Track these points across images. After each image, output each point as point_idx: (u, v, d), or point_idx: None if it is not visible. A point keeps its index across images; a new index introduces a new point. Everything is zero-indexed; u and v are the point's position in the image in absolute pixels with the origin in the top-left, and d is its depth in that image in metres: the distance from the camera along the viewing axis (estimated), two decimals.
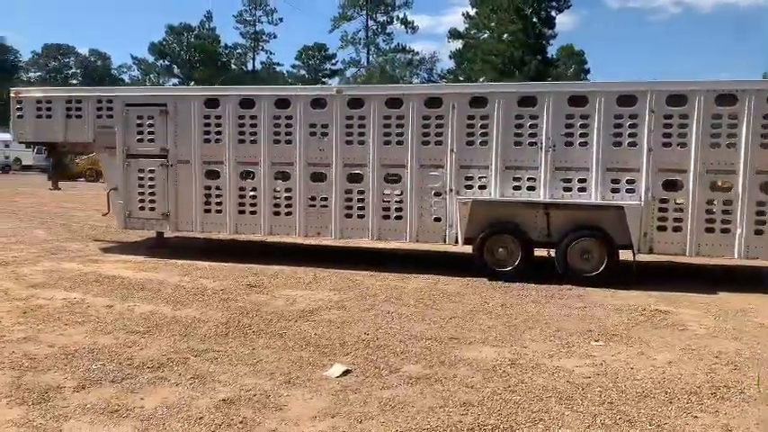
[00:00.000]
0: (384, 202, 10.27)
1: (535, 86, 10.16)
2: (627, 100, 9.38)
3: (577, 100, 9.54)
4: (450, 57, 68.16)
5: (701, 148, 9.16)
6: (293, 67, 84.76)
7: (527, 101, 9.69)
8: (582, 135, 9.52)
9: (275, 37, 79.07)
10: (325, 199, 10.49)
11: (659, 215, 9.38)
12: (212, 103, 10.82)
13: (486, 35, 63.21)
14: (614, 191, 9.49)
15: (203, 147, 10.89)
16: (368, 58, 75.72)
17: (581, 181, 9.59)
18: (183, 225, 11.18)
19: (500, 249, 9.76)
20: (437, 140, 10.01)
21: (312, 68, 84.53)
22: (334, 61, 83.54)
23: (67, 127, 11.48)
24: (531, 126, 9.68)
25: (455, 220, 9.91)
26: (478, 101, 9.86)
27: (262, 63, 79.54)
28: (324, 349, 6.38)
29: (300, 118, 10.46)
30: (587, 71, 73.50)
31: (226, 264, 10.67)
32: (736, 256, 9.20)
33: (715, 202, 9.23)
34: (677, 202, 9.33)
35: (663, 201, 9.37)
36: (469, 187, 9.94)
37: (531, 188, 9.75)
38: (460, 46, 66.17)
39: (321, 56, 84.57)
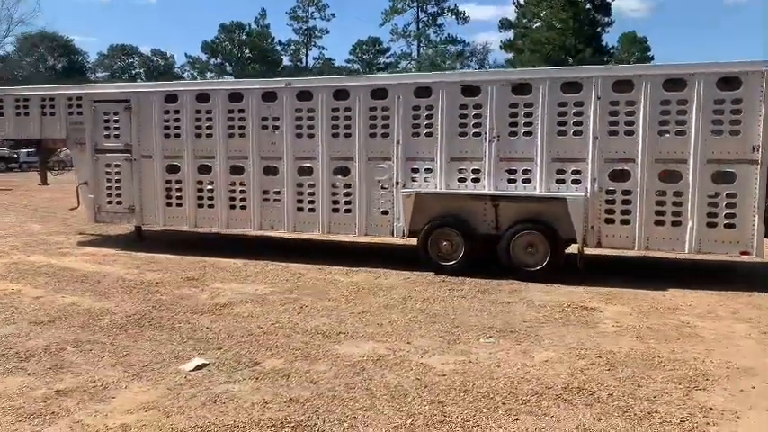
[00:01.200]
0: (333, 195, 10.17)
1: (477, 75, 9.83)
2: (572, 87, 8.97)
3: (521, 88, 9.19)
4: (501, 47, 67.03)
5: (649, 137, 8.67)
6: (347, 61, 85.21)
7: (470, 90, 9.40)
8: (526, 125, 9.17)
9: (327, 32, 79.66)
10: (278, 192, 10.47)
11: (606, 207, 8.94)
12: (171, 98, 10.96)
13: (538, 24, 61.89)
14: (560, 182, 9.10)
15: (164, 141, 11.05)
16: (418, 51, 75.34)
17: (526, 172, 9.23)
18: (148, 219, 11.39)
19: (444, 243, 9.52)
20: (384, 132, 9.83)
21: (366, 62, 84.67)
22: (387, 55, 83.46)
23: (43, 124, 11.86)
24: (475, 116, 9.38)
25: (401, 213, 9.72)
26: (423, 91, 9.62)
27: (314, 58, 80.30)
28: (202, 343, 6.38)
29: (253, 111, 10.47)
30: (650, 59, 70.84)
31: (185, 257, 10.81)
32: (687, 250, 8.67)
33: (665, 193, 8.71)
34: (625, 192, 8.85)
35: (610, 192, 8.92)
36: (415, 180, 9.73)
37: (476, 180, 9.46)
38: (512, 36, 65.04)
39: (375, 50, 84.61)
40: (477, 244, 9.44)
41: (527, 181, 9.22)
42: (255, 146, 10.50)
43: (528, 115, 9.13)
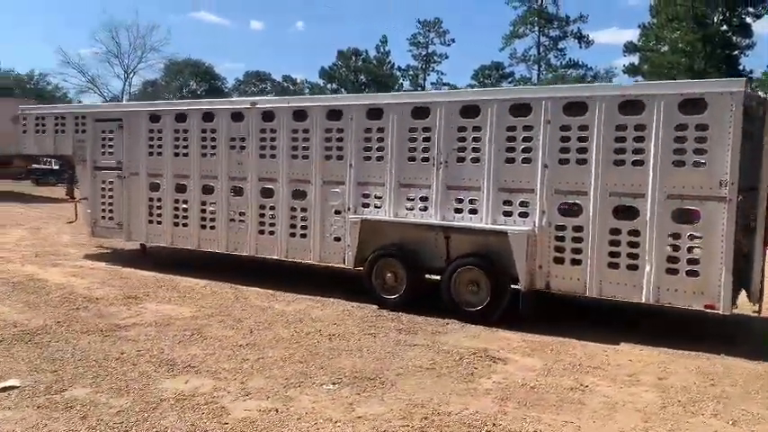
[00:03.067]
0: (292, 219, 9.81)
1: (427, 96, 9.07)
2: (521, 109, 8.07)
3: (469, 110, 8.40)
4: (624, 71, 63.75)
5: (603, 167, 7.59)
6: (469, 86, 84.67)
7: (420, 112, 8.72)
8: (474, 150, 8.35)
9: (447, 57, 79.49)
10: (243, 214, 10.27)
11: (556, 245, 7.91)
12: (155, 118, 11.12)
13: (665, 47, 58.34)
14: (506, 214, 8.18)
15: (148, 160, 11.22)
16: (538, 76, 73.34)
17: (472, 202, 8.40)
18: (135, 235, 11.59)
19: (388, 274, 8.85)
20: (338, 155, 9.36)
21: (488, 87, 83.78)
22: (510, 80, 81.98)
23: (56, 141, 12.47)
24: (424, 140, 8.69)
25: (349, 240, 9.18)
26: (375, 112, 9.07)
27: (432, 83, 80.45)
28: (47, 363, 6.24)
29: (223, 131, 10.37)
30: None
31: (159, 274, 10.87)
32: (643, 298, 7.45)
33: (619, 232, 7.56)
34: (576, 229, 7.79)
35: (559, 228, 7.89)
36: (366, 205, 9.16)
37: (423, 208, 8.74)
38: (636, 60, 61.73)
39: (498, 74, 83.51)
40: (423, 277, 8.68)
41: (473, 211, 8.38)
42: (224, 166, 10.37)
43: (476, 140, 8.32)
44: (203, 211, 10.67)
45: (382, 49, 79.54)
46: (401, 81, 79.83)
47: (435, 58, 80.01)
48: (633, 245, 7.46)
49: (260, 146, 10.02)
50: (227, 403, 5.35)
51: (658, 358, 6.93)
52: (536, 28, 73.25)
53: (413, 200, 8.79)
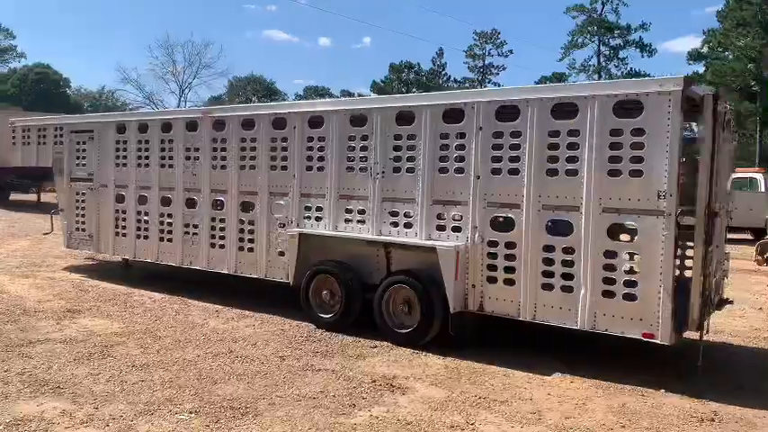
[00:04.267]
0: (240, 232, 9.43)
1: (364, 102, 8.50)
2: (454, 115, 7.44)
3: (404, 117, 7.82)
4: None
5: (536, 177, 6.87)
6: None
7: (358, 120, 8.20)
8: (409, 159, 7.76)
9: (504, 69, 78.22)
10: (197, 226, 9.95)
11: (489, 263, 7.22)
12: (121, 128, 10.98)
13: (730, 55, 55.67)
14: (440, 228, 7.55)
15: (115, 171, 11.08)
16: None
17: (407, 215, 7.80)
18: (103, 247, 11.46)
19: (324, 292, 8.33)
20: (283, 165, 8.93)
21: None
22: None
23: (38, 153, 12.55)
24: (362, 149, 8.16)
25: (289, 255, 8.72)
26: (316, 121, 8.60)
27: None
28: None
29: (179, 142, 10.12)
30: None
31: (118, 287, 10.72)
32: (578, 324, 6.66)
33: (553, 249, 6.82)
34: (508, 245, 7.09)
35: (492, 244, 7.20)
36: (308, 218, 8.68)
37: (361, 221, 8.19)
38: (701, 69, 59.11)
39: None
40: (362, 296, 8.11)
41: (408, 225, 7.78)
42: (180, 178, 10.10)
43: (411, 148, 7.73)
44: (162, 223, 10.41)
45: (438, 62, 79.11)
46: None
47: (492, 69, 78.87)
48: (567, 264, 6.70)
49: (212, 156, 9.70)
50: (62, 428, 4.94)
51: (586, 392, 6.15)
52: (596, 37, 71.17)
53: (352, 212, 8.25)
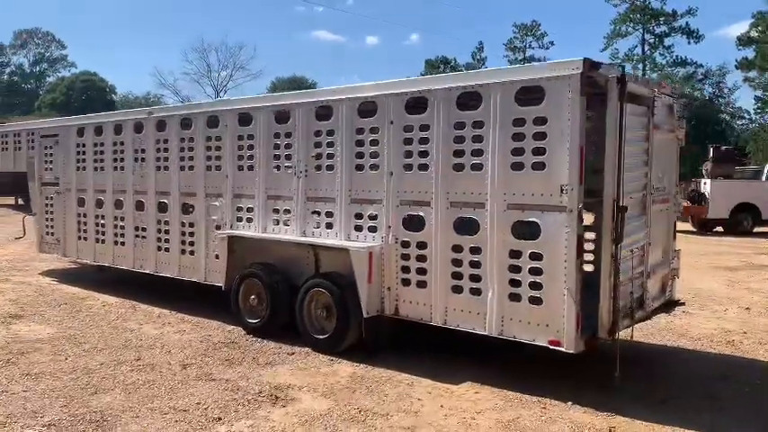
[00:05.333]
0: (182, 235, 9.23)
1: (288, 98, 8.09)
2: (368, 109, 7.05)
3: (324, 112, 7.46)
4: (737, 67, 58.73)
5: (443, 172, 6.43)
6: None
7: (282, 116, 7.88)
8: (329, 156, 7.40)
9: (546, 61, 76.68)
10: (145, 230, 9.81)
11: (402, 264, 6.80)
12: (81, 132, 10.94)
13: None
14: (358, 228, 7.16)
15: (76, 174, 11.05)
16: (643, 75, 68.88)
17: (329, 215, 7.44)
18: (68, 251, 11.45)
19: (252, 296, 8.04)
20: (217, 165, 8.68)
21: None
22: None
23: (15, 158, 12.66)
24: (286, 146, 7.84)
25: (221, 258, 8.47)
26: (245, 119, 8.32)
27: None
28: None
29: (129, 144, 9.99)
30: None
31: (77, 290, 10.72)
32: (487, 330, 6.19)
33: (461, 249, 6.36)
34: (420, 245, 6.66)
35: (405, 244, 6.78)
36: (240, 219, 8.41)
37: (287, 222, 7.88)
38: (752, 54, 56.66)
39: None
40: (287, 299, 7.78)
41: (330, 226, 7.42)
42: (130, 180, 9.97)
43: (330, 145, 7.37)
44: (115, 226, 10.30)
45: (478, 56, 78.06)
46: None
47: (533, 62, 77.27)
48: (475, 265, 6.23)
49: (156, 157, 9.52)
50: None
51: (485, 405, 5.69)
52: (639, 25, 68.92)
53: (279, 213, 7.94)
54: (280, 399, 5.79)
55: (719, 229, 23.94)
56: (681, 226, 24.54)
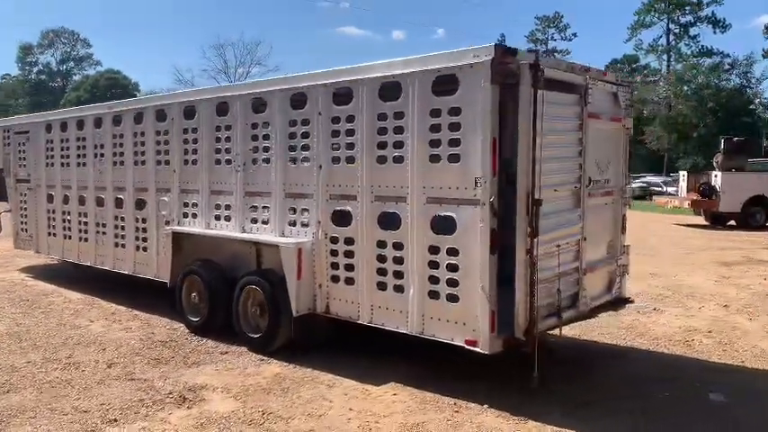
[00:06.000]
0: (136, 231, 9.13)
1: (227, 90, 7.90)
2: (299, 100, 6.84)
3: (259, 104, 7.28)
4: (764, 56, 57.17)
5: (368, 165, 6.20)
6: None
7: (222, 108, 7.72)
8: (265, 149, 7.22)
9: (568, 53, 75.43)
10: (105, 225, 9.74)
11: (331, 260, 6.59)
12: (49, 128, 10.92)
13: None
14: (292, 224, 6.97)
15: (45, 171, 11.05)
16: (668, 66, 67.47)
17: (265, 209, 7.26)
18: (40, 247, 11.45)
19: (193, 294, 7.91)
20: (166, 160, 8.56)
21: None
22: (645, 72, 75.82)
23: None
24: (226, 140, 7.67)
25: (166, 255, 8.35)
26: (190, 112, 8.17)
27: None
28: None
29: (90, 140, 9.93)
30: None
31: (50, 287, 10.75)
32: (408, 329, 5.96)
33: (385, 245, 6.13)
34: (347, 241, 6.44)
35: (334, 240, 6.57)
36: (186, 215, 8.28)
37: (228, 218, 7.72)
38: None
39: (630, 68, 77.92)
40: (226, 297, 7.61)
41: (266, 221, 7.24)
42: (91, 176, 9.91)
43: (266, 138, 7.18)
44: (80, 222, 10.26)
45: None
46: None
47: (556, 54, 76.14)
48: (398, 261, 6.00)
49: (113, 152, 9.44)
50: None
51: (398, 407, 5.47)
52: (664, 15, 67.43)
53: (220, 208, 7.78)
54: (188, 400, 5.63)
55: (733, 222, 23.25)
56: (692, 219, 24.26)
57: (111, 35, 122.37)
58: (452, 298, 5.58)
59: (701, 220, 24.48)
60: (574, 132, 6.05)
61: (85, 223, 10.13)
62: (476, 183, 5.34)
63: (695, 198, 23.40)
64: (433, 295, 5.72)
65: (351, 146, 6.30)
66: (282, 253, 6.70)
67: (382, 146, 6.05)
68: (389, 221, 6.05)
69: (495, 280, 5.34)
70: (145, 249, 8.96)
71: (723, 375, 6.38)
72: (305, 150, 6.74)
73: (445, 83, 5.55)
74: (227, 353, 7.04)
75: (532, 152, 5.27)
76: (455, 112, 5.47)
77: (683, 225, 23.36)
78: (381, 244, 6.12)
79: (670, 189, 36.39)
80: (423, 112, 5.68)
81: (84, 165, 10.06)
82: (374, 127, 6.08)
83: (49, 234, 11.08)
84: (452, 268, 5.58)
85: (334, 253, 6.53)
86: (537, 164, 5.31)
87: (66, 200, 10.57)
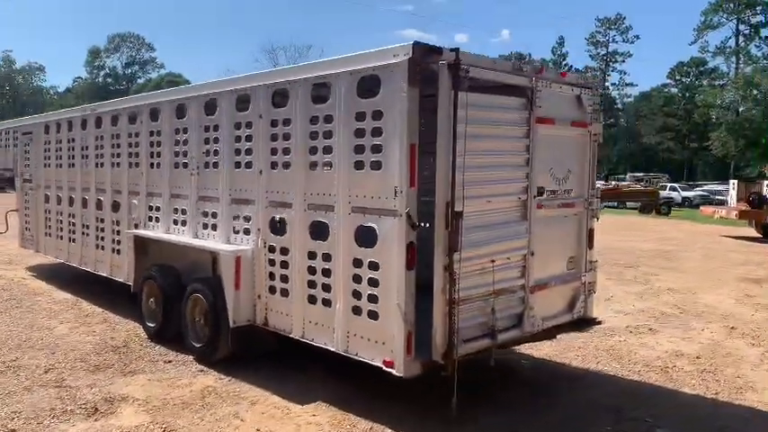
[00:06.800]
0: (112, 233, 9.08)
1: (184, 92, 7.66)
2: (244, 102, 6.59)
3: (210, 107, 7.06)
4: None
5: (301, 171, 5.89)
6: (663, 86, 76.93)
7: (181, 111, 7.54)
8: (214, 153, 7.00)
9: (630, 55, 73.20)
10: (88, 227, 9.75)
11: (270, 270, 6.30)
12: (47, 129, 11.03)
13: None
14: (236, 231, 6.72)
15: (44, 171, 11.18)
16: (736, 69, 64.57)
17: (215, 215, 7.04)
18: (40, 247, 11.59)
19: (150, 299, 7.76)
20: (136, 162, 8.46)
21: (685, 86, 75.47)
22: (713, 75, 72.86)
23: (7, 156, 13.00)
24: (183, 143, 7.50)
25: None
26: (154, 114, 8.03)
27: (613, 84, 74.56)
28: None
29: (77, 141, 9.97)
30: None
31: (45, 286, 10.86)
32: (334, 346, 5.61)
33: (315, 256, 5.80)
34: (283, 251, 6.14)
35: (272, 249, 6.27)
36: (151, 219, 8.15)
37: (184, 222, 7.54)
38: None
39: (697, 71, 75.05)
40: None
41: (215, 227, 7.02)
42: (78, 177, 9.94)
43: (216, 141, 6.96)
44: (70, 223, 10.31)
45: (558, 51, 75.67)
46: None
47: (617, 57, 74.13)
48: (326, 273, 5.66)
49: (95, 154, 9.43)
50: None
51: (303, 430, 5.11)
52: (733, 15, 64.60)
53: (178, 212, 7.62)
54: (99, 412, 5.44)
55: None
56: (744, 231, 22.86)
57: (171, 39, 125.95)
58: (373, 315, 5.21)
59: (752, 232, 23.14)
60: (518, 139, 5.57)
61: (73, 224, 10.17)
62: (395, 192, 4.95)
63: (743, 208, 22.12)
64: (357, 311, 5.36)
65: (287, 151, 6.00)
66: (221, 261, 6.45)
67: (313, 151, 5.72)
68: (320, 231, 5.71)
69: (412, 298, 4.93)
70: (119, 252, 8.88)
71: (682, 409, 5.77)
72: (248, 155, 6.47)
73: (370, 85, 5.18)
74: (171, 362, 6.83)
75: (452, 159, 4.84)
76: (378, 115, 5.10)
77: (732, 237, 22.10)
78: (312, 255, 5.78)
79: (720, 198, 34.77)
80: (348, 116, 5.33)
81: (73, 166, 10.08)
82: (307, 131, 5.77)
83: (45, 234, 11.18)
84: (373, 283, 5.20)
85: (272, 263, 6.24)
86: (459, 172, 4.87)
87: (58, 200, 10.64)
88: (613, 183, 41.33)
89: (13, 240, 13.00)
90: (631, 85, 74.72)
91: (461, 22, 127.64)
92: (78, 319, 8.65)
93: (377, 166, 5.13)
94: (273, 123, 6.14)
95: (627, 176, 53.68)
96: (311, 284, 5.79)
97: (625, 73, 74.58)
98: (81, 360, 6.87)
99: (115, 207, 8.95)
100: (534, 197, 5.71)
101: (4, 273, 12.10)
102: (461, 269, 4.98)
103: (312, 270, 5.78)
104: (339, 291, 5.50)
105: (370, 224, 5.21)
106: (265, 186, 6.25)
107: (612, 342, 7.89)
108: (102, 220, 9.29)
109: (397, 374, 4.99)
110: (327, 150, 5.58)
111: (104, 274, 9.32)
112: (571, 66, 75.01)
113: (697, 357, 7.37)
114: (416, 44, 4.81)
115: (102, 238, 9.30)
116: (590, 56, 73.84)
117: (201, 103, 7.11)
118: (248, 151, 6.47)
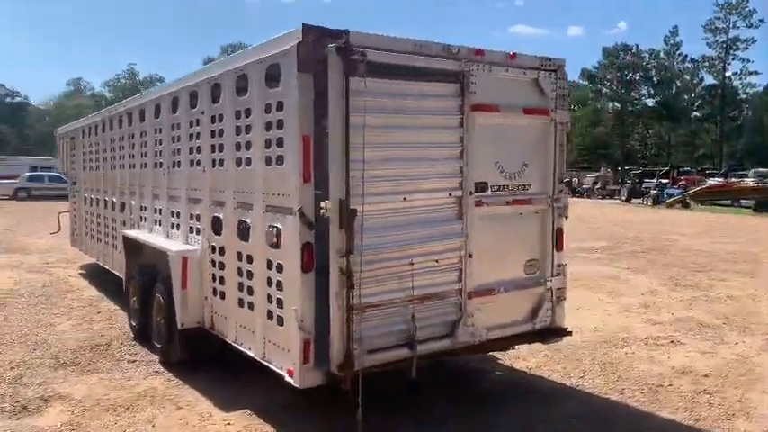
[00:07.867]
0: (113, 231, 9.32)
1: (163, 90, 7.49)
2: (194, 98, 6.44)
3: (175, 104, 6.96)
4: None
5: (231, 168, 5.66)
6: None
7: (157, 110, 7.52)
8: (178, 152, 6.92)
9: (754, 41, 67.55)
10: (108, 226, 10.04)
11: (211, 271, 6.12)
12: (82, 133, 11.49)
13: None
14: (192, 230, 6.59)
15: (82, 174, 11.67)
16: None
17: (178, 215, 6.96)
18: (81, 245, 12.12)
19: (134, 299, 7.82)
20: (133, 163, 8.58)
21: None
22: None
23: (57, 158, 13.73)
24: (159, 142, 7.49)
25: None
26: (141, 115, 8.08)
27: (734, 74, 69.22)
28: None
29: (101, 143, 10.29)
30: None
31: (83, 284, 11.22)
32: (254, 352, 5.33)
33: (241, 257, 5.54)
34: (220, 251, 5.94)
35: (213, 249, 6.08)
36: (142, 218, 8.22)
37: (160, 222, 7.53)
38: None
39: None
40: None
41: (178, 227, 6.95)
42: (101, 179, 10.28)
43: (178, 139, 6.88)
44: (97, 224, 10.68)
45: (672, 41, 71.30)
46: (692, 75, 70.60)
47: (738, 44, 68.77)
48: (249, 275, 5.39)
49: (111, 156, 9.69)
50: None
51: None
52: None
53: (156, 212, 7.62)
54: (26, 410, 5.46)
55: None
56: None
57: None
58: (280, 320, 4.88)
59: None
60: (448, 129, 5.05)
61: (98, 224, 10.49)
62: (294, 189, 4.60)
63: None
64: (270, 316, 5.05)
65: (222, 147, 5.78)
66: (170, 261, 6.33)
67: (239, 147, 5.47)
68: (244, 232, 5.45)
69: (311, 302, 4.56)
70: (116, 248, 9.05)
71: None
72: (198, 153, 6.32)
73: (274, 74, 4.85)
74: (134, 362, 6.82)
75: (346, 154, 4.42)
76: (280, 106, 4.77)
77: None
78: (239, 256, 5.53)
79: None
80: (261, 108, 5.04)
81: (96, 168, 10.41)
82: (233, 126, 5.52)
83: (86, 234, 11.64)
84: (280, 286, 4.87)
85: (213, 263, 6.04)
86: (357, 167, 4.44)
87: (90, 202, 11.03)
88: (724, 180, 38.25)
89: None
90: (755, 73, 68.92)
91: (574, 15, 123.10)
92: (86, 317, 8.86)
93: (280, 160, 4.80)
94: (213, 120, 5.94)
95: (750, 173, 49.64)
96: (240, 287, 5.54)
97: (749, 61, 68.94)
98: (53, 357, 6.97)
99: (122, 207, 9.10)
100: (471, 193, 5.15)
101: (55, 270, 12.71)
102: (364, 273, 4.54)
103: (240, 272, 5.53)
104: (257, 294, 5.20)
105: (277, 224, 4.88)
106: (209, 185, 6.07)
107: (617, 355, 7.10)
108: (114, 220, 9.49)
109: (294, 384, 4.62)
110: (249, 146, 5.30)
111: (118, 273, 9.51)
112: (686, 56, 70.37)
113: (704, 376, 6.45)
114: (307, 27, 4.43)
115: (115, 237, 9.50)
116: (707, 44, 68.83)
117: (169, 101, 7.04)
118: (198, 149, 6.31)
